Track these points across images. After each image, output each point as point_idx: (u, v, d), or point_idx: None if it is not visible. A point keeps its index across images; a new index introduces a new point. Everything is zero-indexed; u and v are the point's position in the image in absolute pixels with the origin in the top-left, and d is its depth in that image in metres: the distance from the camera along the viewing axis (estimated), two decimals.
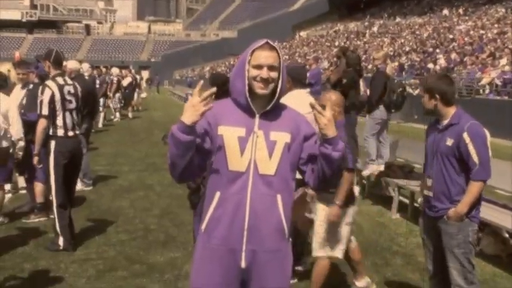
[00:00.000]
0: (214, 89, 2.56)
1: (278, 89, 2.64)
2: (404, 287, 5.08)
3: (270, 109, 2.66)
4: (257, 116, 2.65)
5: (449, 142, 3.79)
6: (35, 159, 5.89)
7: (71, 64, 9.04)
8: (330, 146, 2.58)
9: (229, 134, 2.63)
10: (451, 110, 3.87)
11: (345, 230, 4.51)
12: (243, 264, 2.64)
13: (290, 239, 2.77)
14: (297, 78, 5.05)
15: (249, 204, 2.60)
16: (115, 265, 5.45)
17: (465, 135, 3.71)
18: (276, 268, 2.70)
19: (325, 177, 2.64)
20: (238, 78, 2.65)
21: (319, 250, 4.52)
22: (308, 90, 5.34)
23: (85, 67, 11.68)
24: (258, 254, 2.65)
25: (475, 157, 3.70)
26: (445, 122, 3.87)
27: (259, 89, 2.61)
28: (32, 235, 6.32)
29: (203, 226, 2.70)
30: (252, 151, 2.62)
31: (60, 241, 5.82)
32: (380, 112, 9.06)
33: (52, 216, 6.09)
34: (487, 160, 3.75)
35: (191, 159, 2.58)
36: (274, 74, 2.62)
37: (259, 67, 2.60)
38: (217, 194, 2.64)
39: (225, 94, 2.83)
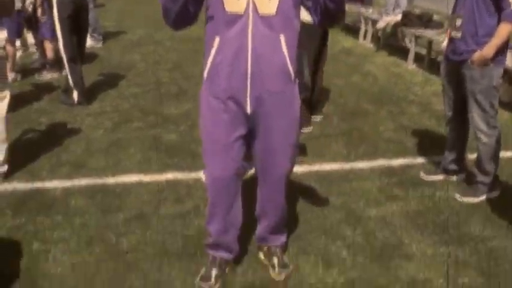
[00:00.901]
0: None
1: None
2: (420, 133, 5.09)
3: None
4: None
5: None
6: (39, 11, 5.72)
7: None
8: None
9: None
10: None
11: None
12: (248, 110, 2.58)
13: (297, 81, 2.68)
14: None
15: (250, 47, 2.46)
16: (130, 117, 5.49)
17: None
18: (283, 110, 2.62)
19: (328, 12, 2.45)
20: None
21: None
22: None
23: None
24: (263, 98, 2.56)
25: None
26: None
27: None
28: (45, 91, 6.32)
29: (205, 73, 2.60)
30: None
31: (74, 95, 5.82)
32: None
33: (64, 73, 6.05)
34: None
35: (185, 5, 2.42)
36: None
37: None
38: (217, 39, 2.50)
39: None
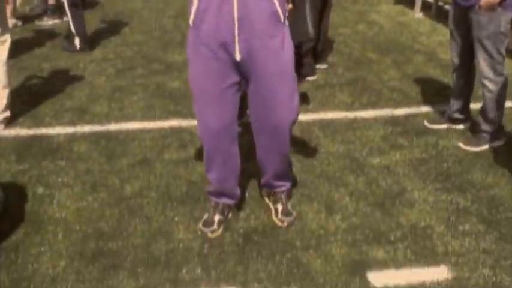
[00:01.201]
0: None
1: None
2: (425, 82, 5.04)
3: None
4: None
5: None
6: None
7: None
8: None
9: None
10: None
11: None
12: (237, 57, 2.49)
13: (286, 23, 2.58)
14: None
15: None
16: (133, 64, 5.44)
17: None
18: (274, 54, 2.53)
19: None
20: None
21: None
22: None
23: None
24: (252, 42, 2.47)
25: None
26: None
27: None
28: (47, 37, 6.26)
29: (190, 20, 2.52)
30: None
31: (77, 41, 5.76)
32: None
33: (66, 19, 5.97)
34: None
35: None
36: None
37: None
38: None
39: None
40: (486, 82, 3.75)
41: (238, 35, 2.45)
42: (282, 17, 2.52)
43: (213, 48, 2.50)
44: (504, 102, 3.83)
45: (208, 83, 2.58)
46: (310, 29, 4.81)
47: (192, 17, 2.51)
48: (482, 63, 3.70)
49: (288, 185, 3.04)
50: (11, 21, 6.17)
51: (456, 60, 3.97)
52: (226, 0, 2.40)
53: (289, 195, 3.09)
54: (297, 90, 2.73)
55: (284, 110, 2.65)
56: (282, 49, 2.56)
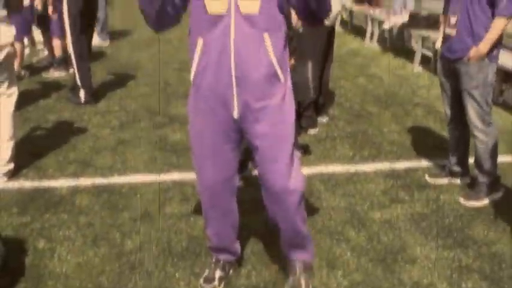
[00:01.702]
0: None
1: None
2: (424, 136, 5.10)
3: None
4: None
5: None
6: (50, 9, 5.75)
7: None
8: None
9: None
10: None
11: None
12: (235, 115, 2.49)
13: (289, 82, 2.57)
14: None
15: (233, 47, 2.38)
16: (137, 117, 5.52)
17: None
18: (272, 114, 2.49)
19: (311, 11, 2.44)
20: None
21: None
22: None
23: None
24: (250, 101, 2.45)
25: None
26: None
27: None
28: (53, 88, 6.37)
29: (191, 77, 2.55)
30: None
31: (82, 94, 5.84)
32: None
33: (72, 71, 6.08)
34: None
35: (163, 7, 2.41)
36: None
37: None
38: (200, 42, 2.44)
39: None
40: (477, 133, 3.82)
41: (237, 93, 2.46)
42: (281, 76, 2.51)
43: (212, 105, 2.52)
44: (497, 151, 3.90)
45: (207, 139, 2.59)
46: (312, 88, 4.92)
47: (192, 73, 2.54)
48: (472, 115, 3.78)
49: (303, 256, 2.83)
50: (18, 72, 6.30)
51: (449, 112, 4.05)
52: (224, 56, 2.41)
53: (306, 269, 2.83)
54: (297, 159, 2.64)
55: (283, 176, 2.57)
56: (281, 110, 2.54)
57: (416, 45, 8.03)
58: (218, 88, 2.47)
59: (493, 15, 3.64)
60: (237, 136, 2.60)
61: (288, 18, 2.83)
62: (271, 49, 2.43)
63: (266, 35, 2.41)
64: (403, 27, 8.43)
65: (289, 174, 2.58)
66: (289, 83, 2.59)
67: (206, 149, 2.61)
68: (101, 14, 7.44)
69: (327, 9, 2.49)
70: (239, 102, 2.47)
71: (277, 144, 2.55)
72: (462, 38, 3.72)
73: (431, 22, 7.89)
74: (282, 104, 2.53)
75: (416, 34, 7.97)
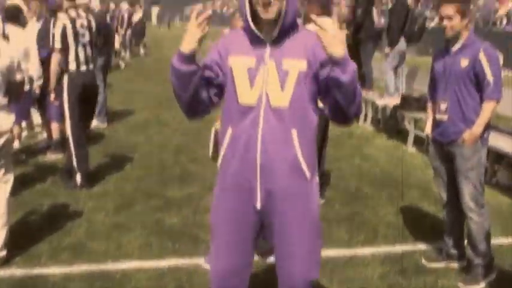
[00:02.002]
0: (209, 12, 2.38)
1: (283, 11, 2.39)
2: (420, 218, 5.10)
3: (280, 35, 2.43)
4: (268, 44, 2.45)
5: (464, 63, 3.78)
6: (52, 96, 5.87)
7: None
8: (337, 68, 2.27)
9: (239, 64, 2.46)
10: (467, 32, 3.85)
11: None
12: (258, 205, 2.50)
13: (315, 179, 2.57)
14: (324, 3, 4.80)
15: (260, 141, 2.43)
16: (133, 200, 5.52)
17: (481, 55, 3.72)
18: (297, 210, 2.50)
19: (339, 107, 2.39)
20: (241, 3, 2.45)
21: None
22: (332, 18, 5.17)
23: (94, 2, 11.26)
24: (275, 196, 2.47)
25: (490, 77, 3.71)
26: (458, 45, 3.85)
27: (262, 13, 2.38)
28: (49, 172, 6.38)
29: (218, 164, 2.59)
30: (263, 83, 2.43)
31: (78, 178, 5.85)
32: (400, 44, 8.90)
33: (68, 154, 6.11)
34: (500, 80, 3.78)
35: (197, 93, 2.46)
36: None
37: None
38: (229, 131, 2.50)
39: None
40: (471, 214, 3.85)
41: (261, 183, 2.48)
42: (307, 172, 2.50)
43: (235, 193, 2.53)
44: (490, 232, 3.91)
45: (226, 226, 2.58)
46: None
47: (219, 161, 2.58)
48: (467, 196, 3.83)
49: None
50: (16, 156, 6.33)
51: (444, 196, 4.09)
52: (251, 146, 2.45)
53: None
54: (321, 246, 2.65)
55: (302, 269, 2.56)
56: (304, 207, 2.53)
57: (409, 126, 8.17)
58: (243, 177, 2.50)
59: (481, 99, 3.76)
60: (257, 228, 2.59)
61: None
62: (298, 145, 2.45)
63: (294, 131, 2.45)
64: (396, 109, 8.59)
65: (308, 266, 2.56)
66: (315, 179, 2.59)
67: (224, 235, 2.60)
68: (99, 97, 7.57)
69: (357, 108, 2.43)
70: (262, 193, 2.49)
71: (298, 238, 2.53)
72: (454, 123, 3.83)
73: (423, 104, 8.05)
74: (306, 200, 2.53)
75: (409, 116, 8.13)
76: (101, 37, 8.21)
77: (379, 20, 9.49)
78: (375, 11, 9.53)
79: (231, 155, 2.50)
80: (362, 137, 8.51)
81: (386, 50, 9.22)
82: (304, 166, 2.48)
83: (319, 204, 2.62)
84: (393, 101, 8.63)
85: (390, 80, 9.18)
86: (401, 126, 8.82)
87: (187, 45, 2.38)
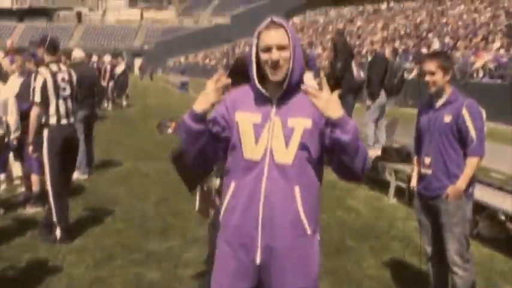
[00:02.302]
0: (228, 81, 2.46)
1: (289, 71, 2.46)
2: (403, 270, 5.09)
3: (286, 93, 2.50)
4: (274, 101, 2.51)
5: (448, 119, 3.84)
6: (29, 149, 5.83)
7: (76, 53, 9.50)
8: (337, 129, 2.34)
9: (245, 120, 2.52)
10: (450, 88, 3.94)
11: None
12: (257, 260, 2.50)
13: (316, 236, 2.58)
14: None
15: (263, 195, 2.46)
16: (113, 254, 5.43)
17: (464, 111, 3.80)
18: (296, 268, 2.50)
19: (345, 166, 2.42)
20: (250, 64, 2.52)
21: None
22: (312, 73, 5.30)
23: (78, 54, 11.08)
24: (275, 251, 2.48)
25: (473, 133, 3.77)
26: (442, 100, 3.92)
27: (271, 76, 2.46)
28: (28, 226, 6.28)
29: (221, 217, 2.61)
30: (268, 139, 2.48)
31: (57, 232, 5.76)
32: (381, 97, 9.07)
33: (48, 207, 6.04)
34: (484, 136, 3.84)
35: (203, 147, 2.50)
36: (285, 54, 2.43)
37: (267, 49, 2.44)
38: (233, 184, 2.54)
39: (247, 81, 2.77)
40: (456, 269, 3.86)
41: (261, 238, 2.49)
42: (308, 229, 2.51)
43: (235, 248, 2.54)
44: (475, 287, 3.90)
45: (224, 280, 2.58)
46: None
47: (221, 213, 2.59)
48: (452, 251, 3.85)
49: None
50: None
51: (429, 250, 4.11)
52: (253, 201, 2.48)
53: None
54: None
55: None
56: (304, 264, 2.53)
57: (390, 178, 8.23)
58: (244, 231, 2.51)
59: (465, 154, 3.81)
60: (254, 283, 2.57)
61: None
62: (300, 202, 2.48)
63: (297, 188, 2.47)
64: (377, 160, 8.68)
65: None
66: (317, 236, 2.59)
67: None
68: (81, 150, 7.55)
69: (363, 165, 2.46)
70: (263, 248, 2.49)
71: None
72: (438, 177, 3.88)
73: (404, 155, 8.17)
74: (305, 259, 2.54)
75: (390, 167, 8.21)
76: (85, 89, 8.29)
77: (359, 73, 9.69)
78: (354, 64, 9.75)
79: (234, 207, 2.53)
80: (344, 189, 8.54)
81: (368, 102, 9.40)
82: (305, 223, 2.50)
83: (318, 263, 2.60)
84: (374, 152, 8.72)
85: (370, 132, 9.31)
86: (382, 177, 8.88)
87: (201, 105, 2.44)
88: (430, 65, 3.86)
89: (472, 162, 3.80)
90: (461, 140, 3.82)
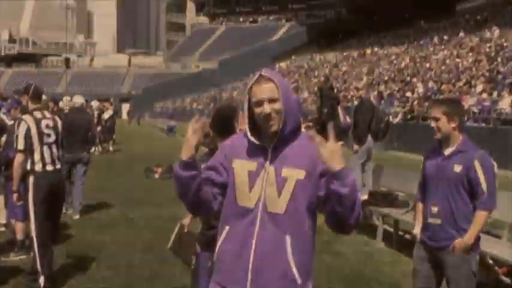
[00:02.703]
0: (203, 120, 2.54)
1: (281, 121, 2.51)
2: None
3: (281, 143, 2.54)
4: (269, 149, 2.55)
5: (458, 169, 3.76)
6: (15, 196, 5.78)
7: (76, 98, 10.11)
8: (336, 181, 2.38)
9: (240, 168, 2.56)
10: (460, 136, 3.85)
11: None
12: None
13: (310, 286, 2.58)
14: None
15: (254, 243, 2.49)
16: None
17: (476, 163, 3.72)
18: None
19: (338, 218, 2.45)
20: (242, 117, 2.64)
21: None
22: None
23: (79, 99, 10.92)
24: None
25: (484, 185, 3.69)
26: (452, 148, 3.84)
27: (264, 128, 2.53)
28: (12, 274, 6.17)
29: (215, 257, 2.64)
30: (263, 187, 2.52)
31: (41, 280, 5.65)
32: (368, 141, 9.16)
33: (32, 255, 5.95)
34: (495, 190, 3.76)
35: (198, 194, 2.53)
36: (277, 106, 2.49)
37: (259, 104, 2.50)
38: (226, 228, 2.58)
39: (232, 129, 2.84)
40: None
41: (250, 285, 2.48)
42: (298, 280, 2.50)
43: None
44: None
45: None
46: None
47: (215, 255, 2.61)
48: None
49: None
50: None
51: None
52: (245, 248, 2.50)
53: None
54: None
55: None
56: None
57: (377, 222, 8.23)
58: (234, 276, 2.52)
59: (474, 207, 3.72)
60: None
61: None
62: (290, 251, 2.48)
63: (288, 238, 2.48)
64: (364, 205, 8.69)
65: None
66: (308, 285, 2.58)
67: None
68: (68, 193, 7.55)
69: (357, 217, 2.48)
70: None
71: None
72: (445, 228, 3.77)
73: (391, 199, 8.20)
74: None
75: (377, 211, 8.21)
76: (81, 134, 9.09)
77: (345, 118, 9.82)
78: (340, 110, 9.88)
79: (225, 252, 2.56)
80: (331, 233, 8.44)
81: (355, 147, 9.48)
82: (295, 274, 2.50)
83: None
84: (361, 197, 8.74)
85: (357, 176, 9.35)
86: (369, 221, 8.88)
87: (186, 152, 2.51)
88: (435, 111, 3.82)
89: (481, 216, 3.71)
90: (470, 191, 3.74)
